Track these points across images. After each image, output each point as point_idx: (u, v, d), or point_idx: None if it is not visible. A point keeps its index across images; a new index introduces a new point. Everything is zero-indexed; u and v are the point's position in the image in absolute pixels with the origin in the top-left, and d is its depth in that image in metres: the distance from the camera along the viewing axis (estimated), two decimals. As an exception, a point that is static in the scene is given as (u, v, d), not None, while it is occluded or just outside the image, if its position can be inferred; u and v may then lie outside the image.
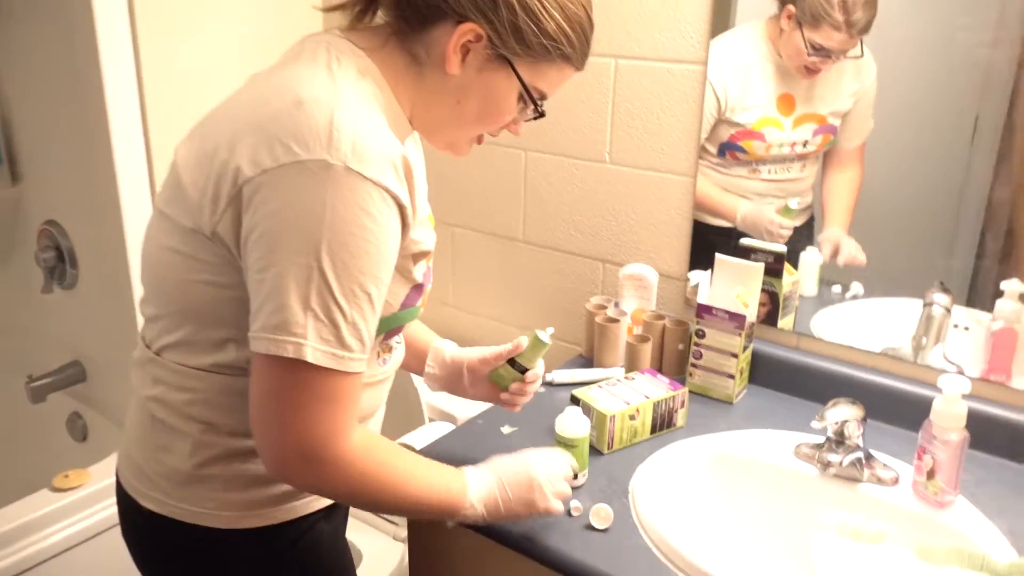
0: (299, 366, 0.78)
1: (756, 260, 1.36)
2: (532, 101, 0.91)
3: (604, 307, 1.52)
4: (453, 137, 0.96)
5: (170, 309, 0.90)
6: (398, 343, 1.03)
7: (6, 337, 2.06)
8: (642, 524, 1.05)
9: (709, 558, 0.96)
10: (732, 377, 1.35)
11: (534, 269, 1.71)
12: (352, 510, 1.77)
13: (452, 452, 1.20)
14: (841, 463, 1.12)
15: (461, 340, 1.85)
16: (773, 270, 1.38)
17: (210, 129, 0.86)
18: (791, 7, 1.31)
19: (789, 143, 1.39)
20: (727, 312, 1.32)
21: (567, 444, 1.10)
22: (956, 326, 1.27)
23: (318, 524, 1.00)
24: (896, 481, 1.11)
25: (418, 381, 1.59)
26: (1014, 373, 1.23)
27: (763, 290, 1.37)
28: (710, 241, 1.46)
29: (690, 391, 1.32)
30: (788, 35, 1.33)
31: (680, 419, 1.28)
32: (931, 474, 1.06)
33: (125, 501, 0.98)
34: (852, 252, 1.36)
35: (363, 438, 0.86)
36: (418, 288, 0.94)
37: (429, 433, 1.47)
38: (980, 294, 1.25)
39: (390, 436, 1.00)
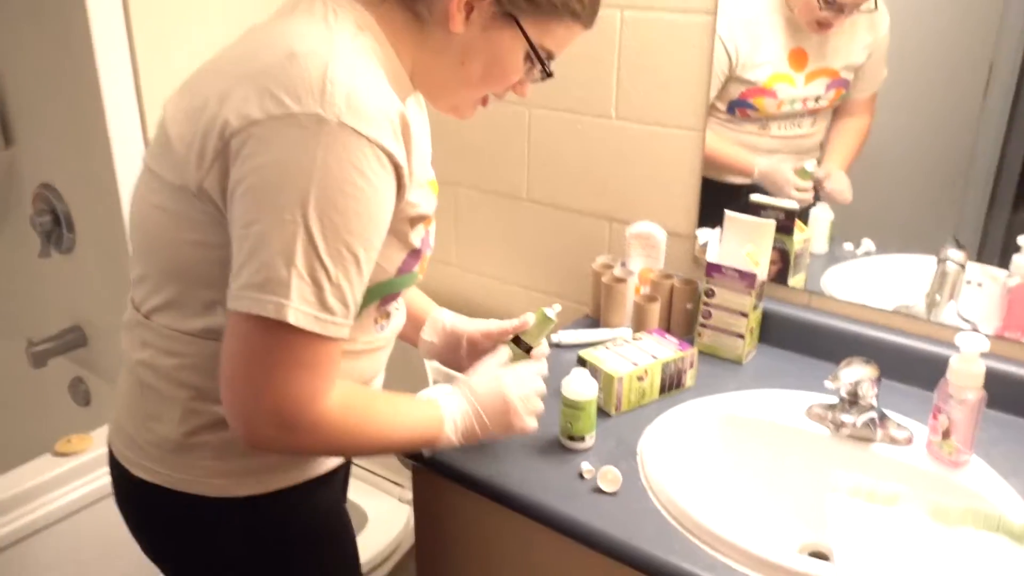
0: (279, 327, 0.75)
1: (767, 217, 1.33)
2: (539, 61, 0.88)
3: (611, 267, 1.49)
4: (457, 99, 0.92)
5: (157, 269, 0.87)
6: (397, 309, 1.01)
7: (5, 302, 2.04)
8: (651, 486, 1.03)
9: (719, 520, 0.94)
10: (742, 337, 1.32)
11: (539, 228, 1.68)
12: (355, 471, 1.79)
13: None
14: (855, 424, 1.10)
15: (464, 301, 1.84)
16: (784, 227, 1.34)
17: (200, 83, 0.83)
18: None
19: (801, 99, 1.35)
20: (737, 270, 1.29)
21: (574, 406, 1.08)
22: (969, 282, 1.25)
23: (316, 491, 0.98)
24: (910, 441, 1.09)
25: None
26: (1030, 330, 1.21)
27: (774, 248, 1.34)
28: (719, 198, 1.42)
29: (699, 351, 1.29)
30: (798, -12, 1.28)
31: (689, 380, 1.26)
32: (946, 434, 1.04)
33: (117, 470, 0.96)
34: (842, 186, 1.33)
35: (340, 398, 0.82)
36: (415, 254, 0.91)
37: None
38: (992, 249, 1.23)
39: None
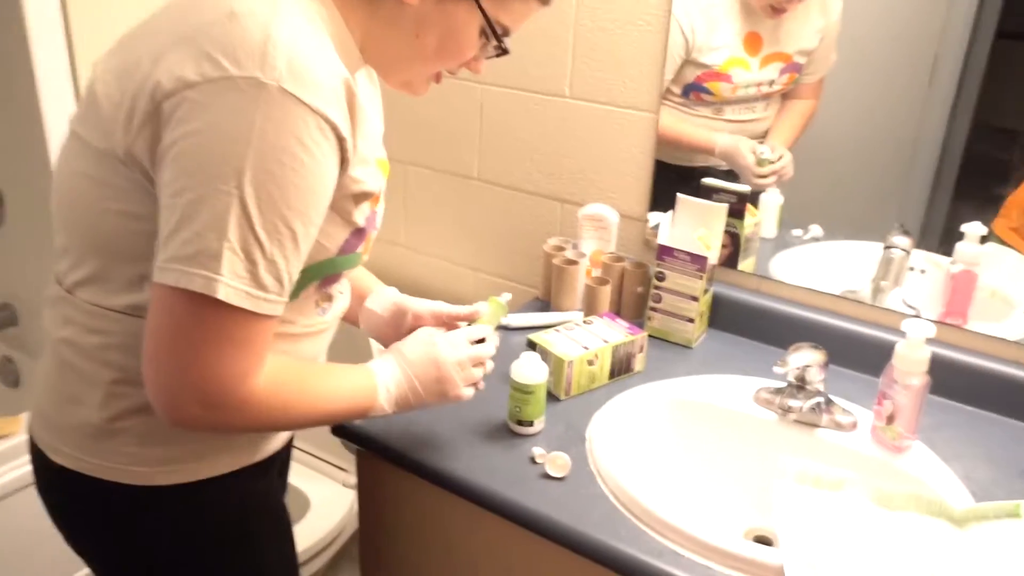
0: (207, 303, 0.71)
1: (719, 200, 1.33)
2: (495, 36, 0.84)
3: (562, 248, 1.47)
4: (409, 74, 0.89)
5: (80, 241, 0.82)
6: (340, 292, 0.97)
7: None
8: (600, 472, 1.02)
9: (666, 506, 0.94)
10: (692, 321, 1.32)
11: (489, 209, 1.65)
12: (297, 455, 1.75)
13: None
14: (802, 408, 1.10)
15: (412, 282, 1.81)
16: (735, 211, 1.34)
17: (134, 42, 0.78)
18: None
19: (756, 83, 1.35)
20: (689, 254, 1.29)
21: (523, 390, 1.06)
22: (913, 269, 1.26)
23: (248, 480, 0.94)
24: (854, 426, 1.10)
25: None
26: (970, 316, 1.23)
27: (725, 231, 1.34)
28: (671, 181, 1.41)
29: (649, 335, 1.28)
30: (753, -30, 1.28)
31: (639, 364, 1.25)
32: (891, 419, 1.04)
33: (37, 456, 0.91)
34: (787, 159, 1.34)
35: (270, 375, 0.78)
36: (360, 233, 0.87)
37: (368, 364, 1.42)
38: (932, 236, 1.25)
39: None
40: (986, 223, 1.19)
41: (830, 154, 1.31)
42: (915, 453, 1.06)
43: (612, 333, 1.23)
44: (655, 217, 1.45)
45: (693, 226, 1.32)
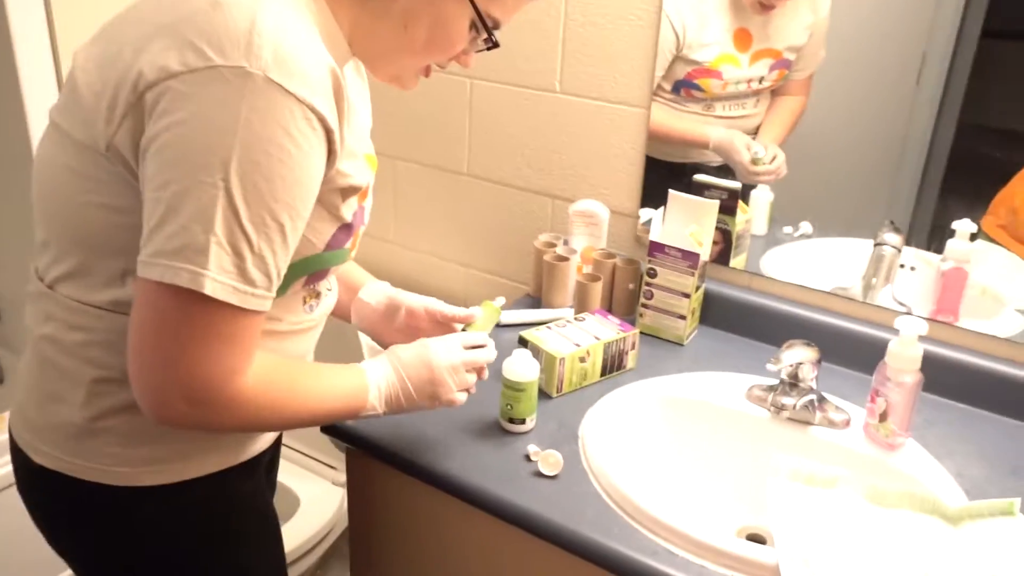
0: (194, 298, 0.69)
1: (710, 197, 1.32)
2: (486, 29, 0.83)
3: (553, 245, 1.46)
4: (398, 67, 0.87)
5: (61, 235, 0.80)
6: (328, 290, 0.95)
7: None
8: (592, 470, 1.01)
9: (659, 504, 0.93)
10: (683, 318, 1.31)
11: (480, 205, 1.64)
12: (286, 453, 1.73)
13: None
14: (795, 406, 1.10)
15: (402, 278, 1.79)
16: (727, 207, 1.34)
17: (116, 31, 0.76)
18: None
19: (746, 80, 1.34)
20: (680, 250, 1.28)
21: (515, 388, 1.05)
22: (903, 266, 1.26)
23: (234, 481, 0.92)
24: (847, 424, 1.10)
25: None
26: (961, 313, 1.23)
27: (716, 228, 1.33)
28: (662, 178, 1.41)
29: (640, 332, 1.28)
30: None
31: (630, 361, 1.24)
32: (883, 416, 1.04)
33: (18, 455, 0.89)
34: (781, 159, 1.34)
35: (259, 373, 0.77)
36: (347, 228, 0.85)
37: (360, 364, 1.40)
38: (920, 233, 1.25)
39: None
40: (974, 221, 1.19)
41: (819, 151, 1.31)
42: (908, 451, 1.06)
43: (604, 330, 1.22)
44: (646, 213, 1.45)
45: (684, 222, 1.31)
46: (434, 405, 0.93)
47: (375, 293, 1.07)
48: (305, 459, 1.76)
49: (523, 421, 1.07)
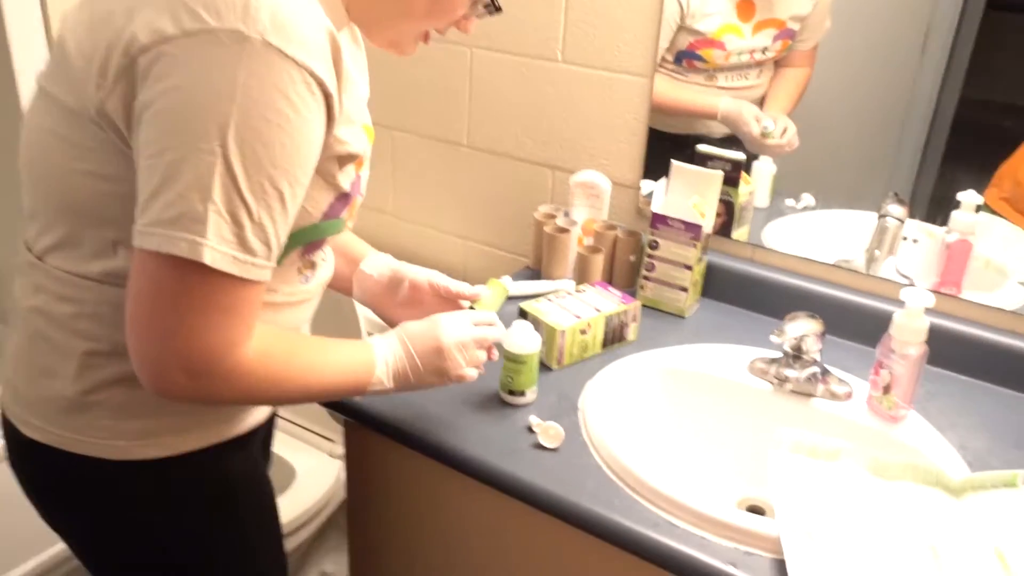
0: (193, 268, 0.68)
1: (713, 168, 1.30)
2: None
3: (553, 216, 1.45)
4: (396, 32, 0.85)
5: (50, 204, 0.78)
6: (323, 260, 0.93)
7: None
8: (593, 442, 1.01)
9: (660, 476, 0.92)
10: (685, 290, 1.30)
11: (479, 176, 1.62)
12: (282, 425, 1.73)
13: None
14: (798, 378, 1.09)
15: (401, 251, 1.77)
16: (730, 179, 1.32)
17: None
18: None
19: (748, 50, 1.32)
20: (683, 222, 1.26)
21: (515, 360, 1.04)
22: (905, 238, 1.25)
23: (229, 455, 0.91)
24: (849, 396, 1.09)
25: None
26: (964, 286, 1.22)
27: (719, 200, 1.31)
28: (664, 149, 1.39)
29: (641, 304, 1.27)
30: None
31: (632, 333, 1.23)
32: (887, 389, 1.03)
33: (8, 429, 0.88)
34: (792, 130, 1.32)
35: (260, 344, 0.75)
36: (344, 198, 0.83)
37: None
38: (920, 205, 1.24)
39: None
40: (977, 193, 1.18)
41: (822, 123, 1.30)
42: (910, 423, 1.05)
43: (605, 302, 1.21)
44: (647, 185, 1.43)
45: (687, 194, 1.29)
46: (443, 381, 0.91)
47: (377, 265, 1.06)
48: (302, 431, 1.75)
49: (523, 393, 1.07)
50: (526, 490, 0.94)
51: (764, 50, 1.32)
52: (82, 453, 0.83)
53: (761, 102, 1.36)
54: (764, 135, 1.32)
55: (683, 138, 1.39)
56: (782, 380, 1.10)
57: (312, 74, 0.68)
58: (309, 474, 1.64)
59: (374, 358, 0.87)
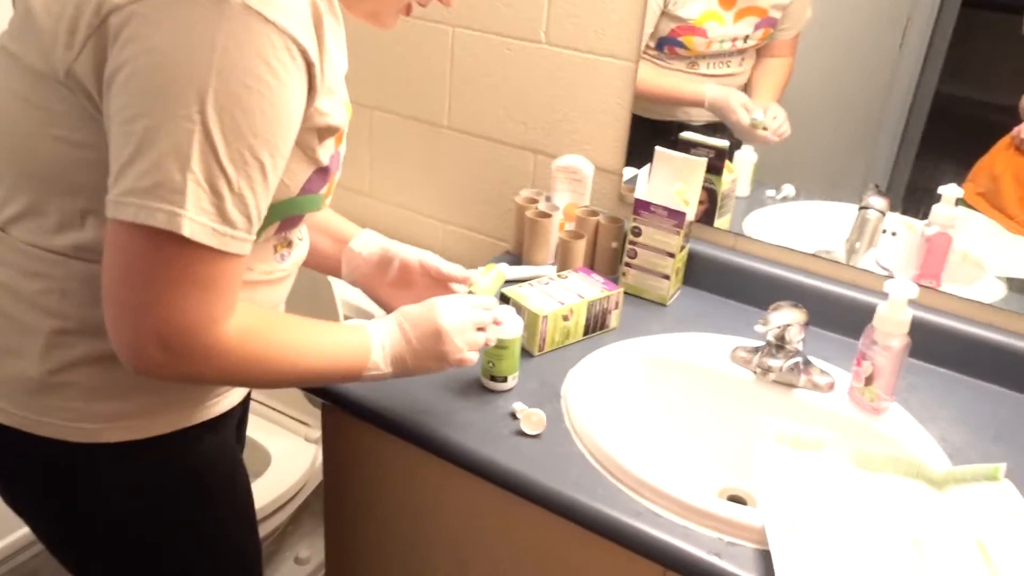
0: (170, 240, 0.65)
1: (697, 155, 1.29)
2: None
3: (535, 201, 1.43)
4: (377, 3, 0.82)
5: (10, 170, 0.74)
6: (300, 239, 0.91)
7: None
8: (575, 429, 1.00)
9: (643, 464, 0.91)
10: (667, 278, 1.29)
11: (460, 158, 1.59)
12: (257, 408, 1.69)
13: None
14: (781, 368, 1.09)
15: (379, 233, 1.74)
16: (713, 166, 1.31)
17: None
18: None
19: (730, 38, 1.31)
20: (666, 209, 1.25)
21: (498, 345, 1.02)
22: (884, 231, 1.25)
23: (202, 438, 0.89)
24: (831, 387, 1.09)
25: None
26: (943, 279, 1.22)
27: (702, 187, 1.30)
28: (646, 135, 1.37)
29: (623, 291, 1.25)
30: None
31: (614, 320, 1.22)
32: (869, 380, 1.03)
33: None
34: (782, 117, 1.31)
35: (242, 321, 0.73)
36: (323, 172, 0.81)
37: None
38: (895, 199, 1.24)
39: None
40: (957, 186, 1.18)
41: (803, 114, 1.29)
42: (891, 415, 1.05)
43: (587, 288, 1.20)
44: (630, 172, 1.41)
45: (670, 180, 1.28)
46: (442, 366, 0.89)
47: (367, 243, 1.03)
48: (277, 415, 1.72)
49: (504, 379, 1.05)
50: (507, 477, 0.93)
51: (745, 38, 1.31)
52: (48, 436, 0.79)
53: (744, 90, 1.35)
54: (754, 125, 1.32)
55: (664, 124, 1.38)
56: (765, 369, 1.10)
57: (294, 40, 0.66)
58: (284, 458, 1.61)
59: (370, 342, 0.84)
